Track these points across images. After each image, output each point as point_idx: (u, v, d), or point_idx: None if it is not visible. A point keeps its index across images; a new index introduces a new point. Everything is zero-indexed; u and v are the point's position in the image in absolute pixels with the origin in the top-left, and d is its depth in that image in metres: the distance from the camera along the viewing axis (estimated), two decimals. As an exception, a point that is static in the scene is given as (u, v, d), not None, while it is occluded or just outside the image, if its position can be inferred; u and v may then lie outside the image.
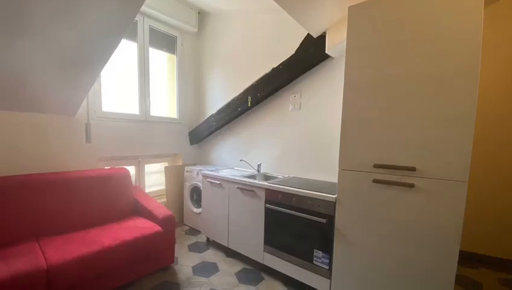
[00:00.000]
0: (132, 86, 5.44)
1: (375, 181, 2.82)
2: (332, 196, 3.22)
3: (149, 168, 5.99)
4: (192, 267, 4.28)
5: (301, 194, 3.54)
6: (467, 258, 4.58)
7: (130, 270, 3.66)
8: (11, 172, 3.80)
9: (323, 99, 4.29)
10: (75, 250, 3.17)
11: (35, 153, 4.09)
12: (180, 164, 6.37)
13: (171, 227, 4.11)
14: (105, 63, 3.73)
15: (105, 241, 3.42)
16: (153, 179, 6.11)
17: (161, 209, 4.26)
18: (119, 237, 3.54)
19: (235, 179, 4.41)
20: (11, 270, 2.68)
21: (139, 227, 3.88)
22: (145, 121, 5.57)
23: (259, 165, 4.99)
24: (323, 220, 3.29)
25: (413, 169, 2.59)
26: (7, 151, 3.84)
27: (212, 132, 6.16)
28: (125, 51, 5.26)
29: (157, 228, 3.91)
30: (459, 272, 4.15)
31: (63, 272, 2.94)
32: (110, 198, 4.34)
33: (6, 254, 3.04)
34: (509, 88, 4.29)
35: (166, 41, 6.02)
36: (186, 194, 5.96)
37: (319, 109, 4.36)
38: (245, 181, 4.25)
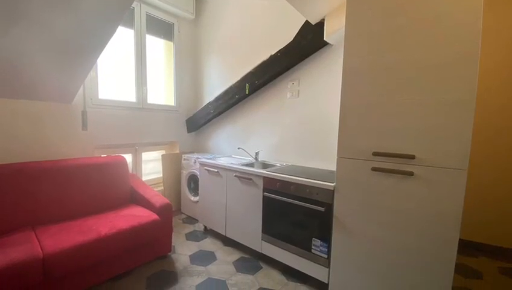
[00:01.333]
0: (129, 73, 5.40)
1: (374, 169, 2.79)
2: (330, 184, 3.20)
3: (146, 156, 5.96)
4: (190, 256, 4.27)
5: (299, 182, 3.52)
6: (466, 247, 4.60)
7: (127, 259, 3.64)
8: (7, 160, 3.77)
9: (321, 86, 4.25)
10: (71, 239, 3.15)
11: (31, 141, 4.06)
12: (177, 152, 6.35)
13: (168, 215, 4.09)
14: (102, 50, 3.69)
15: (102, 229, 3.41)
16: (150, 167, 6.08)
17: (158, 197, 4.23)
18: (116, 226, 3.52)
19: (232, 167, 4.39)
20: (6, 260, 2.66)
21: (136, 215, 3.86)
22: (142, 108, 5.53)
23: (257, 153, 4.96)
24: (322, 209, 3.27)
25: (412, 157, 2.56)
26: (3, 139, 3.80)
27: (210, 120, 6.13)
28: (122, 38, 5.21)
29: (154, 216, 3.90)
30: (459, 261, 4.16)
31: (59, 260, 2.93)
32: (106, 186, 4.32)
33: (3, 242, 3.03)
34: (509, 75, 4.26)
35: (163, 28, 5.96)
36: (184, 182, 5.94)
37: (317, 96, 4.32)
38: (243, 169, 4.23)
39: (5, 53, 3.12)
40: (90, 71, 4.11)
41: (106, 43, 3.62)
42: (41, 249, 2.94)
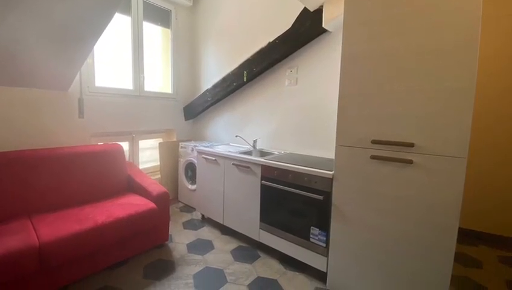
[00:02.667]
0: (126, 61, 5.36)
1: (373, 157, 2.77)
2: (329, 172, 3.18)
3: (143, 144, 5.94)
4: (187, 244, 4.26)
5: (298, 170, 3.50)
6: (466, 236, 4.59)
7: (124, 248, 3.63)
8: (3, 148, 3.74)
9: (319, 74, 4.22)
10: (67, 227, 3.14)
11: (27, 129, 4.03)
12: (175, 139, 6.32)
13: (165, 204, 4.07)
14: (99, 37, 3.66)
15: (98, 218, 3.39)
16: (147, 155, 6.05)
17: (155, 186, 4.21)
18: (112, 214, 3.51)
19: (230, 155, 4.37)
20: (2, 248, 2.64)
21: (133, 204, 3.85)
22: (139, 96, 5.50)
23: (255, 141, 4.93)
24: (320, 197, 3.26)
25: (411, 145, 2.54)
26: (-1, 127, 3.78)
27: (207, 107, 6.11)
28: (119, 26, 5.17)
29: (151, 205, 3.88)
30: (459, 250, 4.17)
31: (55, 249, 2.91)
32: (103, 174, 4.30)
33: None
34: (509, 62, 4.24)
35: (160, 15, 5.91)
36: (181, 170, 5.93)
37: (316, 84, 4.29)
38: (241, 157, 4.21)
39: (1, 40, 3.09)
40: (87, 58, 4.05)
41: (103, 30, 3.58)
42: (38, 238, 2.93)
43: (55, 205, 3.73)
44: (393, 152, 2.66)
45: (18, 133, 3.94)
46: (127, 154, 5.39)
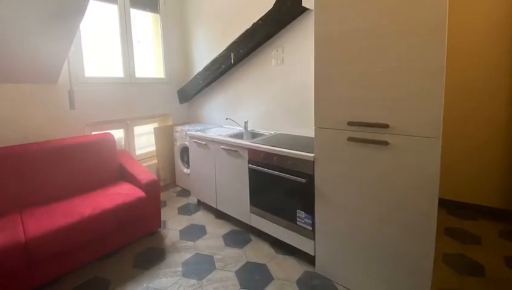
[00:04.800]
0: (115, 49, 5.34)
1: (350, 139, 2.74)
2: (310, 155, 3.14)
3: (139, 130, 5.94)
4: (180, 231, 4.29)
5: (281, 153, 3.48)
6: (465, 209, 4.55)
7: (114, 238, 3.66)
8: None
9: (304, 53, 4.15)
10: (54, 222, 3.18)
11: (18, 125, 4.06)
12: (171, 123, 6.32)
13: (155, 192, 4.08)
14: (82, 16, 3.50)
15: (85, 211, 3.41)
16: (143, 141, 6.07)
17: (145, 174, 4.21)
18: (99, 206, 3.52)
19: (219, 139, 4.35)
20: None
21: (122, 194, 3.86)
22: (130, 83, 5.48)
23: (246, 123, 4.90)
24: (303, 180, 3.23)
25: (386, 126, 2.50)
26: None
27: (200, 90, 6.09)
28: (106, 15, 5.14)
29: (139, 193, 3.89)
30: (457, 225, 4.17)
31: (41, 244, 2.97)
32: (94, 165, 4.31)
33: (-12, 228, 3.05)
34: (478, 38, 4.29)
35: (148, 1, 5.84)
36: (177, 155, 5.94)
37: (302, 63, 4.23)
38: (228, 141, 4.20)
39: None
40: (72, 45, 3.97)
41: (85, 8, 3.42)
42: (24, 233, 2.98)
43: (46, 198, 3.75)
44: (369, 133, 2.63)
45: (8, 129, 3.97)
46: (122, 141, 5.42)
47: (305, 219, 3.34)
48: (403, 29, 2.36)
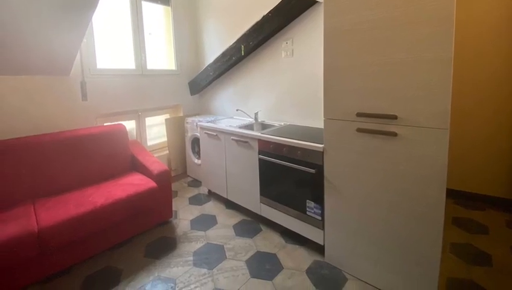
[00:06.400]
0: (127, 41, 5.38)
1: (359, 130, 2.76)
2: (320, 146, 3.17)
3: (151, 121, 6.00)
4: (191, 220, 4.33)
5: (291, 144, 3.50)
6: (473, 200, 4.56)
7: (126, 228, 3.71)
8: (8, 135, 3.83)
9: (314, 45, 4.16)
10: (66, 211, 3.21)
11: (31, 116, 4.12)
12: (182, 115, 6.36)
13: (166, 182, 4.12)
14: (94, 9, 3.56)
15: (97, 200, 3.45)
16: (155, 132, 6.13)
17: (157, 164, 4.25)
18: (112, 196, 3.57)
19: (229, 130, 4.39)
20: (3, 235, 2.75)
21: (134, 184, 3.90)
22: (141, 74, 5.52)
23: (256, 114, 4.92)
24: (313, 171, 3.26)
25: (394, 117, 2.52)
26: (4, 116, 3.88)
27: (211, 82, 6.12)
28: (118, 7, 5.18)
29: (151, 184, 3.92)
30: (465, 215, 4.17)
31: (53, 234, 3.00)
32: (106, 155, 4.35)
33: (1, 218, 3.11)
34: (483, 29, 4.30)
35: (159, -7, 5.87)
36: (188, 145, 5.99)
37: (311, 54, 4.24)
38: (238, 132, 4.23)
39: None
40: (85, 38, 4.02)
41: (97, 1, 3.50)
42: (37, 223, 3.02)
43: (59, 188, 3.80)
44: (378, 124, 2.64)
45: (22, 120, 4.03)
46: (133, 132, 5.48)
47: (315, 209, 3.37)
48: (411, 20, 2.37)
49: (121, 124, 4.78)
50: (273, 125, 4.59)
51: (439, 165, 2.35)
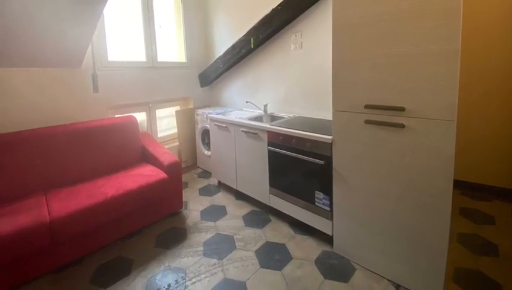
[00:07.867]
0: (137, 33, 5.42)
1: (367, 122, 2.78)
2: (328, 137, 3.20)
3: (161, 113, 6.05)
4: (201, 211, 4.39)
5: (300, 135, 3.54)
6: (479, 191, 4.57)
7: (137, 218, 3.77)
8: (21, 127, 3.88)
9: (323, 37, 4.16)
10: (78, 202, 3.26)
11: (43, 107, 4.18)
12: (192, 106, 6.41)
13: (176, 173, 4.16)
14: (105, 1, 3.57)
15: (109, 191, 3.51)
16: (165, 124, 6.17)
17: (167, 155, 4.29)
18: (123, 187, 3.62)
19: (239, 121, 4.43)
20: (14, 226, 2.80)
21: (145, 175, 3.95)
22: (152, 67, 5.56)
23: (265, 106, 4.94)
24: (321, 162, 3.29)
25: (402, 109, 2.54)
26: (17, 108, 3.94)
27: (220, 74, 6.16)
28: (129, 0, 5.22)
29: (162, 175, 3.97)
30: (471, 206, 4.19)
31: (65, 224, 3.05)
32: (117, 147, 4.40)
33: (14, 208, 3.17)
34: (490, 22, 4.30)
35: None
36: (198, 137, 6.03)
37: (320, 47, 4.26)
38: (248, 124, 4.27)
39: (6, 22, 3.14)
40: (96, 30, 4.03)
41: None
42: (49, 214, 3.07)
43: (70, 179, 3.85)
44: (385, 116, 2.66)
45: (35, 112, 4.09)
46: (144, 124, 5.53)
47: (323, 200, 3.40)
48: (418, 13, 2.38)
49: (132, 116, 4.83)
50: (282, 117, 4.62)
51: (447, 156, 2.37)
